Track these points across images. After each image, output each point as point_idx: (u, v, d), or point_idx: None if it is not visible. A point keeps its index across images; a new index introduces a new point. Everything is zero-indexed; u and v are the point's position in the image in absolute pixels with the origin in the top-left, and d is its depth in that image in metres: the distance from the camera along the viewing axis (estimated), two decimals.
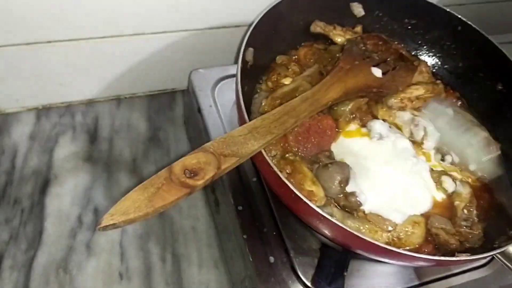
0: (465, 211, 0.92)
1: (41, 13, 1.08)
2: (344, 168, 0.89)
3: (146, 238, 1.18)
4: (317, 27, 1.09)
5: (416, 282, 0.96)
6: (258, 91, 1.02)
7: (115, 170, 1.27)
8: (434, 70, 1.17)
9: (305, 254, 0.94)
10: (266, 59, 1.06)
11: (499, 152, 1.03)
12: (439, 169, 0.98)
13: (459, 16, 1.10)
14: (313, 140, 0.94)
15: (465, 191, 0.94)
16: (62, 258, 1.12)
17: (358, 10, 1.13)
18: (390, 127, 1.00)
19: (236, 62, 0.89)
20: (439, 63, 1.18)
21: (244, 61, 0.95)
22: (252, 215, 0.98)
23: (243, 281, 0.98)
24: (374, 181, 0.91)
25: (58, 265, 1.10)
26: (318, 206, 0.83)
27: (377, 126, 0.97)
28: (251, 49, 0.97)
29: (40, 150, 1.26)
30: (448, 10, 1.10)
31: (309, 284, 0.91)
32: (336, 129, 0.97)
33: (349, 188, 0.88)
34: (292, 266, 0.93)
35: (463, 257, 0.77)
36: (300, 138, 0.93)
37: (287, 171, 0.87)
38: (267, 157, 0.78)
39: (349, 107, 0.96)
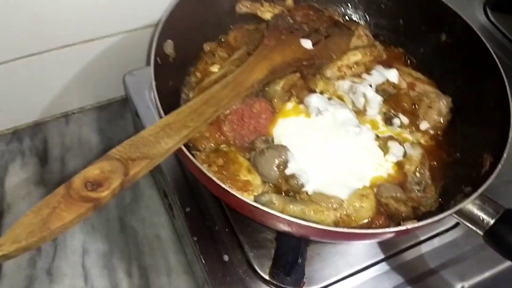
0: (417, 174, 0.87)
1: None
2: (281, 151, 0.84)
3: (109, 255, 1.13)
4: (243, 7, 1.03)
5: (383, 256, 0.91)
6: (187, 83, 0.96)
7: None
8: (375, 32, 1.11)
9: (260, 247, 0.90)
10: (193, 49, 1.01)
11: (451, 105, 0.97)
12: (388, 134, 0.92)
13: None
14: (248, 126, 0.88)
15: (416, 153, 0.89)
16: None
17: None
18: (329, 99, 0.94)
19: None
20: (379, 23, 1.12)
21: (164, 55, 0.91)
22: (201, 215, 0.93)
23: (204, 284, 0.93)
24: (316, 158, 0.86)
25: None
26: (255, 195, 0.78)
27: (314, 100, 0.91)
28: (170, 42, 0.92)
29: None
30: None
31: (267, 277, 0.86)
32: (273, 111, 0.91)
33: (288, 171, 0.83)
34: (248, 261, 0.88)
35: (409, 224, 0.71)
36: (235, 126, 0.88)
37: (219, 163, 0.81)
38: (187, 153, 0.73)
39: (281, 85, 0.91)
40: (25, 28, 1.07)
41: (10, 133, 1.30)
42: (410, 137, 0.94)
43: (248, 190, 0.79)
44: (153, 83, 0.80)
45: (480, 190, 0.76)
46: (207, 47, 1.00)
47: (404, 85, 0.99)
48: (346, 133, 0.88)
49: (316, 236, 0.77)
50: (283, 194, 0.84)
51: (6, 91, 1.21)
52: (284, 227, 0.73)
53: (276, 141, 0.88)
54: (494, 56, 0.92)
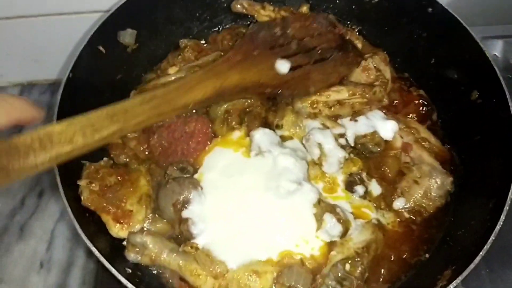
0: (346, 266, 0.65)
1: None
2: (186, 187, 0.70)
3: None
4: (238, 5, 0.87)
5: None
6: (145, 81, 0.85)
7: None
8: (400, 67, 0.86)
9: None
10: (168, 43, 0.88)
11: (449, 187, 0.72)
12: (338, 201, 0.71)
13: None
14: (176, 147, 0.75)
15: (358, 239, 0.67)
16: None
17: None
18: (286, 139, 0.76)
19: None
20: (407, 56, 0.86)
21: (115, 44, 0.81)
22: None
23: None
24: (227, 207, 0.70)
25: None
26: (130, 232, 0.67)
27: (258, 136, 0.74)
28: (130, 31, 0.82)
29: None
30: None
31: None
32: (211, 135, 0.77)
33: (185, 213, 0.69)
34: None
35: None
36: (163, 142, 0.76)
37: (108, 182, 0.70)
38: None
39: (223, 109, 0.75)
40: None
41: (47, 84, 1.33)
42: (372, 214, 0.72)
43: (124, 223, 0.67)
44: (68, 74, 0.70)
45: None
46: (183, 43, 0.87)
47: (398, 144, 0.75)
48: (277, 188, 0.70)
49: None
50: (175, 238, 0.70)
51: (47, 42, 1.22)
52: None
53: (199, 172, 0.73)
54: None
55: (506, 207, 0.63)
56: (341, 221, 0.68)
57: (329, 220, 0.67)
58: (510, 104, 0.68)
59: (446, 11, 0.77)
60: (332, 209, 0.69)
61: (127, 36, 0.81)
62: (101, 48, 0.78)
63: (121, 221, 0.67)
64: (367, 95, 0.76)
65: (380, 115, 0.78)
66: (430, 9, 0.79)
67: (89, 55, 0.75)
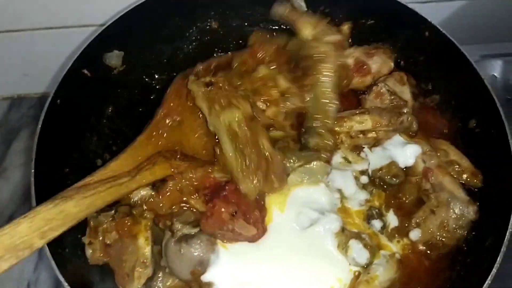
0: None
1: None
2: (201, 252, 0.65)
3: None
4: (280, 9, 0.78)
5: None
6: None
7: None
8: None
9: None
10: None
11: (473, 217, 0.70)
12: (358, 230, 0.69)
13: (425, 16, 0.77)
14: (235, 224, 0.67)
15: (385, 277, 0.64)
16: None
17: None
18: None
19: None
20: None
21: (106, 67, 0.80)
22: None
23: None
24: (248, 264, 0.67)
25: None
26: None
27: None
28: (117, 52, 0.80)
29: (0, 142, 1.23)
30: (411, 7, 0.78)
31: None
32: None
33: (206, 277, 0.65)
34: None
35: None
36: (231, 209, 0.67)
37: (109, 239, 0.66)
38: None
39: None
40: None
41: (36, 97, 1.30)
42: (392, 246, 0.70)
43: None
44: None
45: None
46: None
47: (419, 168, 0.73)
48: (298, 220, 0.67)
49: None
50: None
51: (37, 56, 1.20)
52: None
53: None
54: None
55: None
56: (368, 247, 0.65)
57: (355, 246, 0.65)
58: (509, 138, 0.67)
59: (444, 35, 0.76)
60: (357, 235, 0.67)
61: (114, 58, 0.80)
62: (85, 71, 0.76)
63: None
64: (395, 124, 0.73)
65: (398, 140, 0.75)
66: (427, 33, 0.78)
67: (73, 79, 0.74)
